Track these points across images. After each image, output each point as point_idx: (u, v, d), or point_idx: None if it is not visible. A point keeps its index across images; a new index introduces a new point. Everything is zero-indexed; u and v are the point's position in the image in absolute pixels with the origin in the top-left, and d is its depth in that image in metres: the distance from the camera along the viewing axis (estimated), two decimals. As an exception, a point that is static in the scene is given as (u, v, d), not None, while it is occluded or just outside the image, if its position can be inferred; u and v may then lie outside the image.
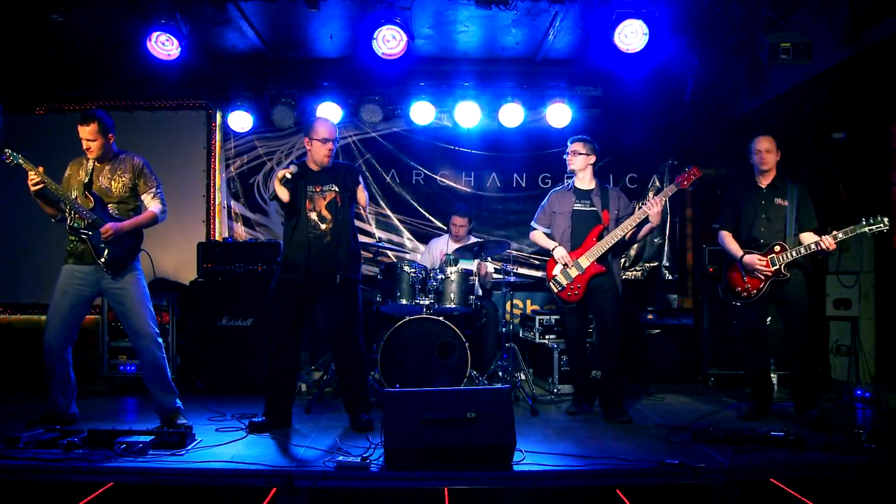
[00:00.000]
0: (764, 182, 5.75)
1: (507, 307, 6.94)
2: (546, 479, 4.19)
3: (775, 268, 5.52)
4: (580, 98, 7.89)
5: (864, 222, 5.23)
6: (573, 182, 6.06)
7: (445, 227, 8.22)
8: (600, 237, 5.82)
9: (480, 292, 7.27)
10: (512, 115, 7.77)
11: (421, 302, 6.50)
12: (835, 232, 5.32)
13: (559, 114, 7.78)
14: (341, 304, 5.38)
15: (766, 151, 5.69)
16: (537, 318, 7.22)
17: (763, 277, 5.56)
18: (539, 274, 8.28)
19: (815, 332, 5.86)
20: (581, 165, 5.97)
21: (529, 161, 8.36)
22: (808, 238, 5.52)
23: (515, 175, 8.42)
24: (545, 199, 6.16)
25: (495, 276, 7.25)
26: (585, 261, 5.82)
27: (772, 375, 6.38)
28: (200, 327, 6.99)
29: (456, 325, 6.36)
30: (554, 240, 6.01)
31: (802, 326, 5.54)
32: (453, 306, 6.57)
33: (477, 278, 7.04)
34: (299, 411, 5.79)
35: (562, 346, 6.85)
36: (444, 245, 7.62)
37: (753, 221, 5.72)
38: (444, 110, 8.06)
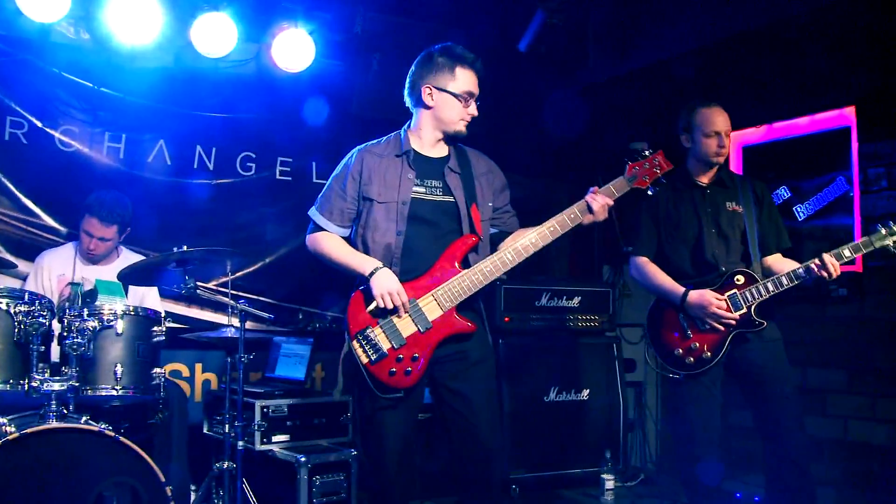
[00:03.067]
0: (705, 177, 3.70)
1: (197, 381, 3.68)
2: None
3: (740, 312, 3.46)
4: (330, 29, 5.03)
5: (883, 231, 3.36)
6: (405, 139, 3.17)
7: (69, 231, 4.68)
8: (466, 262, 3.05)
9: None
10: (214, 37, 4.55)
11: (46, 385, 2.99)
12: (840, 248, 3.37)
13: (292, 49, 4.80)
14: None
15: (725, 133, 3.62)
16: (258, 404, 4.12)
17: (722, 329, 3.46)
18: (214, 317, 5.14)
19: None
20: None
21: (227, 127, 5.22)
22: (787, 263, 3.60)
23: (200, 149, 5.16)
24: (341, 167, 3.17)
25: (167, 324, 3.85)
26: (434, 306, 2.99)
27: None
28: None
29: (129, 433, 3.05)
30: (367, 252, 3.09)
31: (790, 417, 3.48)
32: (119, 391, 3.30)
33: (158, 329, 3.60)
34: None
35: (318, 461, 3.96)
36: (67, 262, 4.18)
37: (698, 238, 3.64)
38: (80, 14, 4.57)
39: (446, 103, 3.04)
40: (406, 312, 2.93)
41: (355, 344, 2.94)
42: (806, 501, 3.44)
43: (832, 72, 4.61)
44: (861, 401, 4.55)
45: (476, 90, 3.06)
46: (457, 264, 2.99)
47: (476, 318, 3.05)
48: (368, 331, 2.93)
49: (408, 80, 3.13)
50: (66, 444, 2.89)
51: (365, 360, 2.92)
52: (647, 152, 3.12)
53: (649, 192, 3.12)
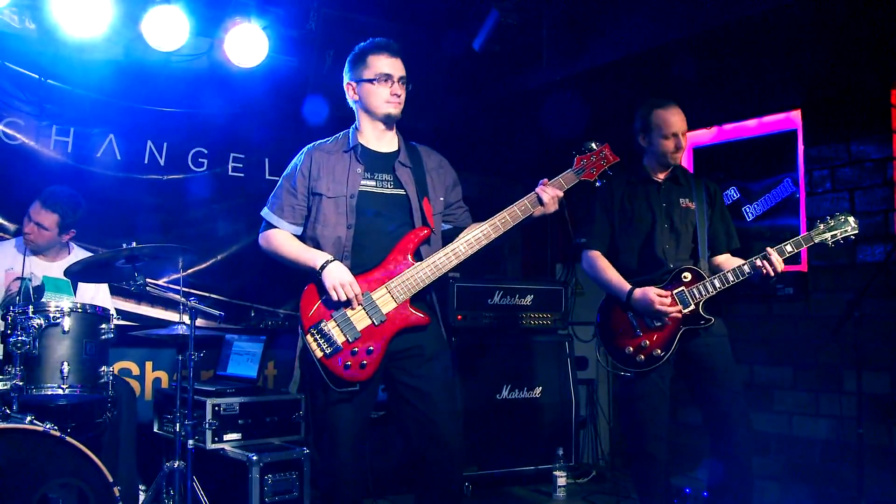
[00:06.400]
0: (660, 174, 3.70)
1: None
2: None
3: (689, 309, 3.46)
4: (284, 25, 4.90)
5: (821, 226, 3.43)
6: (353, 136, 3.14)
7: (15, 224, 4.50)
8: (418, 254, 3.03)
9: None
10: (166, 30, 4.40)
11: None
12: (783, 244, 3.41)
13: (245, 44, 4.66)
14: None
15: (682, 134, 3.61)
16: (209, 402, 4.04)
17: (669, 323, 3.47)
18: (164, 314, 4.97)
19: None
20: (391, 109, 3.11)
21: (179, 123, 5.06)
22: (735, 262, 3.58)
23: (150, 144, 4.99)
24: (290, 166, 3.15)
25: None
26: (388, 299, 2.96)
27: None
28: None
29: (75, 433, 2.98)
30: (318, 247, 3.06)
31: (734, 414, 3.48)
32: (65, 390, 3.22)
33: (106, 326, 3.53)
34: None
35: (269, 460, 3.90)
36: (15, 256, 4.02)
37: (650, 232, 3.64)
38: (25, 3, 4.39)
39: (367, 92, 3.05)
40: (359, 304, 2.91)
41: (309, 338, 2.91)
42: (744, 495, 3.49)
43: (779, 76, 4.66)
44: (805, 396, 4.62)
45: (394, 71, 3.03)
46: (410, 257, 2.98)
47: (429, 311, 3.04)
48: (322, 324, 2.91)
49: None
50: (10, 445, 2.83)
51: (319, 354, 2.89)
52: (594, 145, 3.16)
53: (597, 185, 3.16)
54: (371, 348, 2.91)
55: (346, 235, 2.99)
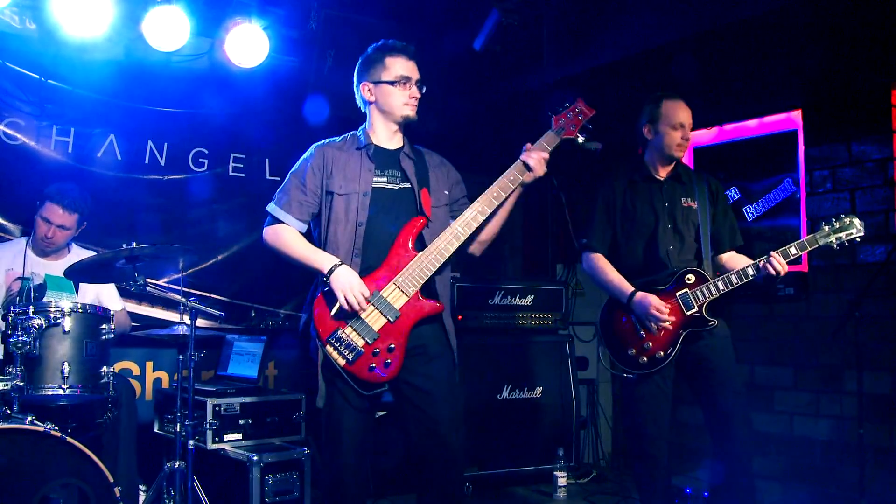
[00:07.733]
0: (662, 171, 3.67)
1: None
2: None
3: (691, 312, 3.45)
4: (284, 25, 4.87)
5: (826, 228, 3.39)
6: (364, 135, 3.13)
7: (17, 225, 4.50)
8: (420, 241, 3.00)
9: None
10: (166, 30, 4.37)
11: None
12: (787, 247, 3.37)
13: (246, 44, 4.64)
14: None
15: (688, 127, 3.60)
16: (210, 402, 4.01)
17: (668, 330, 3.45)
18: (165, 314, 4.95)
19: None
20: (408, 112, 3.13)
21: (179, 123, 5.02)
22: (741, 260, 3.59)
23: (151, 144, 4.96)
24: (300, 163, 3.11)
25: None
26: (398, 294, 2.93)
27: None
28: None
29: (76, 433, 2.98)
30: (329, 245, 3.03)
31: (736, 415, 3.46)
32: (66, 390, 3.20)
33: (107, 326, 3.53)
34: None
35: (270, 460, 3.88)
36: (17, 256, 3.99)
37: (653, 233, 3.61)
38: (25, 3, 4.36)
39: (385, 94, 3.03)
40: (369, 306, 2.88)
41: (329, 348, 2.87)
42: (746, 495, 3.48)
43: (779, 76, 4.64)
44: (806, 397, 4.60)
45: (412, 74, 3.04)
46: (411, 248, 2.96)
47: (439, 297, 3.02)
48: (339, 332, 2.88)
49: (354, 86, 3.14)
50: (11, 446, 2.82)
51: (342, 362, 2.86)
52: (567, 104, 3.12)
53: (579, 140, 3.09)
54: (392, 346, 2.89)
55: (358, 233, 2.98)
